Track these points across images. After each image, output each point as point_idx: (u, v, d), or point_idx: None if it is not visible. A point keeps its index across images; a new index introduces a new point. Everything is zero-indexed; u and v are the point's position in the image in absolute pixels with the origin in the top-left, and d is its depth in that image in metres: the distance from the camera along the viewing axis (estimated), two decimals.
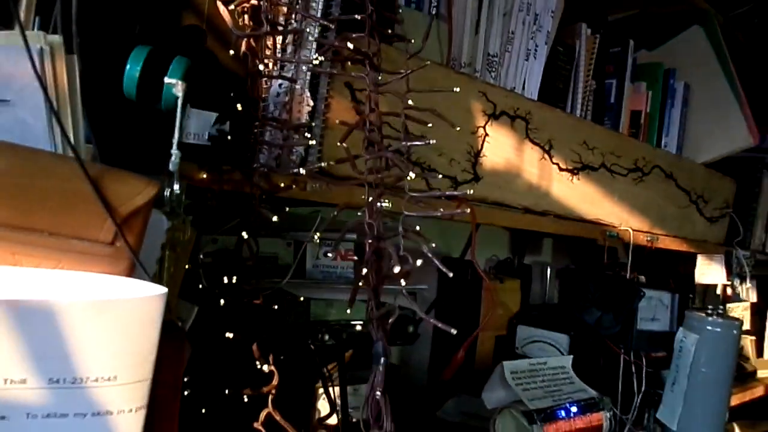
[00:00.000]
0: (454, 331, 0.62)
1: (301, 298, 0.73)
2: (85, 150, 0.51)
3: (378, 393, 0.67)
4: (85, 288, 0.41)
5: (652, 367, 1.37)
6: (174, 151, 0.50)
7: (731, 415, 1.70)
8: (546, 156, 1.10)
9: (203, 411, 0.64)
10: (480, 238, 1.54)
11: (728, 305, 1.67)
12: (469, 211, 0.84)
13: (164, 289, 0.41)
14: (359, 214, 0.72)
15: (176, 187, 0.50)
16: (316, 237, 0.71)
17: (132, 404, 0.42)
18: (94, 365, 0.40)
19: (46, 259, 0.40)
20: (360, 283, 0.74)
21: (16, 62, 0.44)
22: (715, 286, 1.67)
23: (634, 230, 1.33)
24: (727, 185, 1.65)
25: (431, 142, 0.81)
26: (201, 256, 0.75)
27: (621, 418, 1.28)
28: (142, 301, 0.40)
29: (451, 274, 0.60)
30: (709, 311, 1.27)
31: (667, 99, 1.45)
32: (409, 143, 0.75)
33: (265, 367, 0.64)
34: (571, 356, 1.20)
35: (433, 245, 0.66)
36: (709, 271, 1.59)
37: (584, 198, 1.21)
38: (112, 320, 0.39)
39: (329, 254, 0.98)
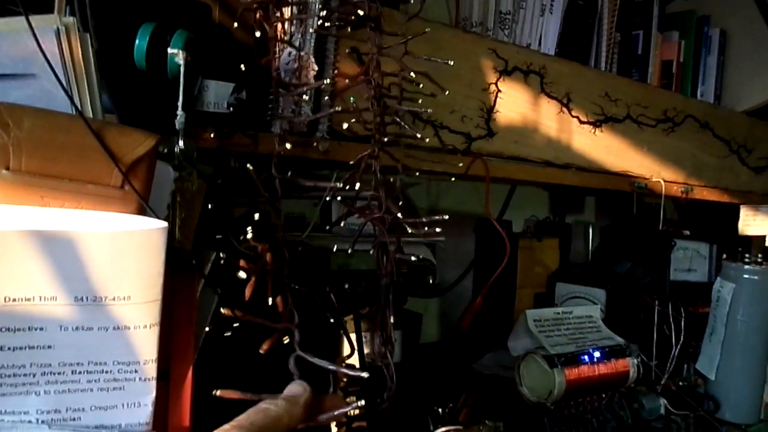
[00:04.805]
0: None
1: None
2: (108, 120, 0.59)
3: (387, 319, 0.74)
4: (100, 223, 0.49)
5: (695, 320, 1.37)
6: (179, 111, 0.58)
7: None
8: (564, 109, 1.12)
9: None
10: (519, 198, 1.58)
11: None
12: (461, 165, 0.89)
13: (164, 224, 0.49)
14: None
15: (181, 143, 0.57)
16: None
17: (146, 321, 0.51)
18: (111, 286, 0.48)
19: (69, 201, 0.48)
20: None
21: (41, 41, 0.52)
22: (764, 237, 1.63)
23: (666, 182, 1.32)
24: None
25: (428, 110, 0.87)
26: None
27: (656, 370, 1.29)
28: (145, 233, 0.48)
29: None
30: (747, 260, 1.26)
31: (701, 47, 1.42)
32: (406, 108, 0.81)
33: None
34: (598, 306, 1.22)
35: None
36: (755, 223, 1.55)
37: (609, 150, 1.22)
38: (123, 248, 0.48)
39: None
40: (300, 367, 0.62)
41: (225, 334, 0.65)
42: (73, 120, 0.48)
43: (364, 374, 0.66)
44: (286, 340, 0.61)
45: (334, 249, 0.86)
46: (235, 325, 0.62)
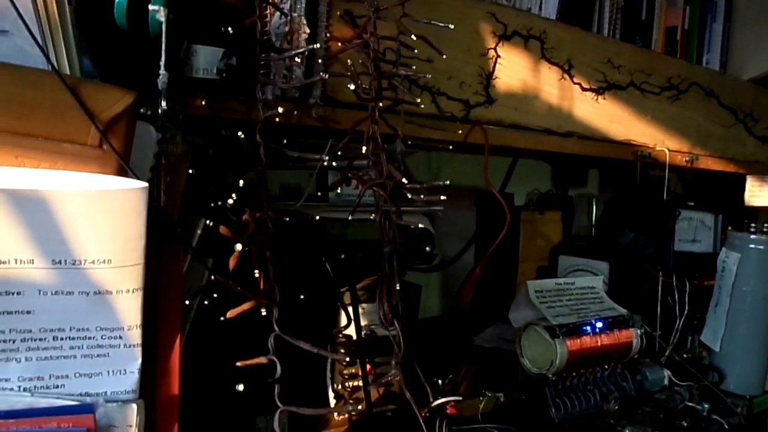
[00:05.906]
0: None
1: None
2: None
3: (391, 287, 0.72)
4: (78, 184, 0.47)
5: (700, 292, 1.35)
6: (162, 71, 0.56)
7: None
8: (566, 76, 1.09)
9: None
10: (521, 172, 1.55)
11: None
12: (460, 132, 0.87)
13: (145, 184, 0.47)
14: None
15: (164, 104, 0.55)
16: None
17: (129, 285, 0.49)
18: (90, 249, 0.47)
19: (44, 161, 0.47)
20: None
21: None
22: None
23: (671, 151, 1.29)
24: None
25: (427, 75, 0.85)
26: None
27: (660, 341, 1.28)
28: (124, 192, 0.46)
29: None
30: (752, 229, 1.23)
31: (707, 13, 1.39)
32: (404, 73, 0.79)
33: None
34: (601, 277, 1.20)
35: None
36: (762, 193, 1.52)
37: (612, 118, 1.19)
38: (101, 209, 0.46)
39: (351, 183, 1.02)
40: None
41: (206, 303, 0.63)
42: (45, 75, 0.46)
43: None
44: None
45: (317, 217, 0.84)
46: (215, 295, 0.60)
